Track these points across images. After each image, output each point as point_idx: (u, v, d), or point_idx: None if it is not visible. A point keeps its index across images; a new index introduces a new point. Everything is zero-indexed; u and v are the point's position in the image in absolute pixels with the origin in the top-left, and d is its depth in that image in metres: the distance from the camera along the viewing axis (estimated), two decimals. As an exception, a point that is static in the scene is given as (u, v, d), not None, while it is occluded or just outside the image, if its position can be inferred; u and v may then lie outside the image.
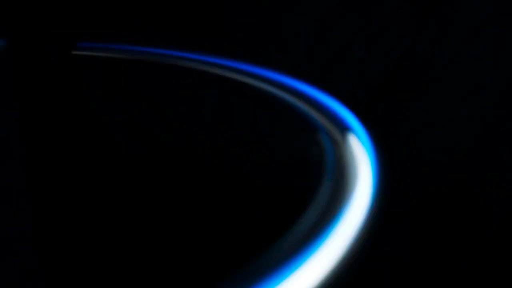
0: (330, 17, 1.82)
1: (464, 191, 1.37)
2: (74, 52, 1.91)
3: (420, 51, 1.69)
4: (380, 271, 1.19)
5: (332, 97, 1.44)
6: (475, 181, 1.39)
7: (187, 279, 1.15)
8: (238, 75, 1.64)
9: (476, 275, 1.18)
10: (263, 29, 1.87)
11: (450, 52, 1.66)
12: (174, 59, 1.80)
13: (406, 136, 1.52)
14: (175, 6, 1.96)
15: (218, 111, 1.69)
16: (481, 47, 1.63)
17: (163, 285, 1.14)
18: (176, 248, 1.24)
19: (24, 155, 1.49)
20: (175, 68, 1.78)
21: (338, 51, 1.77)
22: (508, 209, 1.33)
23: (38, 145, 1.55)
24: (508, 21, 1.62)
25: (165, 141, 1.65)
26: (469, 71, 1.61)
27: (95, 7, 1.98)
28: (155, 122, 1.70)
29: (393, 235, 1.22)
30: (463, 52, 1.64)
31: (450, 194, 1.36)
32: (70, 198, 1.38)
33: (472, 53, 1.63)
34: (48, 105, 1.68)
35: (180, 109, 1.71)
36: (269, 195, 1.35)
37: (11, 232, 1.26)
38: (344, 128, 1.30)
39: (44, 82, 1.76)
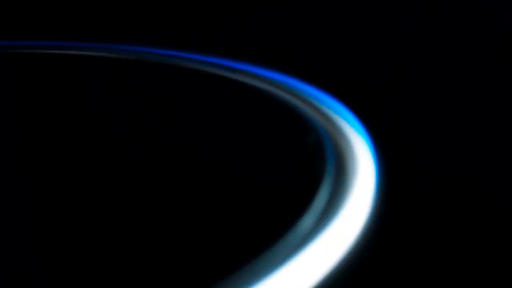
0: (331, 17, 1.82)
1: (470, 183, 1.37)
2: (75, 52, 1.91)
3: (421, 50, 1.69)
4: (385, 262, 1.19)
5: (332, 96, 1.44)
6: (481, 173, 1.39)
7: (187, 278, 1.15)
8: (238, 75, 1.64)
9: (482, 266, 1.18)
10: (264, 29, 1.87)
11: (451, 50, 1.66)
12: (174, 59, 1.80)
13: (413, 131, 1.52)
14: (175, 6, 1.96)
15: (218, 111, 1.69)
16: (483, 45, 1.63)
17: (163, 284, 1.14)
18: (176, 247, 1.24)
19: (24, 155, 1.49)
20: (175, 68, 1.78)
21: (340, 51, 1.77)
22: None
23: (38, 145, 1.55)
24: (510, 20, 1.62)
25: (166, 141, 1.65)
26: (472, 70, 1.61)
27: (96, 7, 1.98)
28: (155, 122, 1.70)
29: (399, 227, 1.22)
30: (465, 51, 1.65)
31: (456, 187, 1.36)
32: (70, 197, 1.38)
33: (474, 52, 1.63)
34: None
35: (181, 109, 1.71)
36: (269, 195, 1.35)
37: (11, 232, 1.26)
38: (344, 126, 1.30)
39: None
